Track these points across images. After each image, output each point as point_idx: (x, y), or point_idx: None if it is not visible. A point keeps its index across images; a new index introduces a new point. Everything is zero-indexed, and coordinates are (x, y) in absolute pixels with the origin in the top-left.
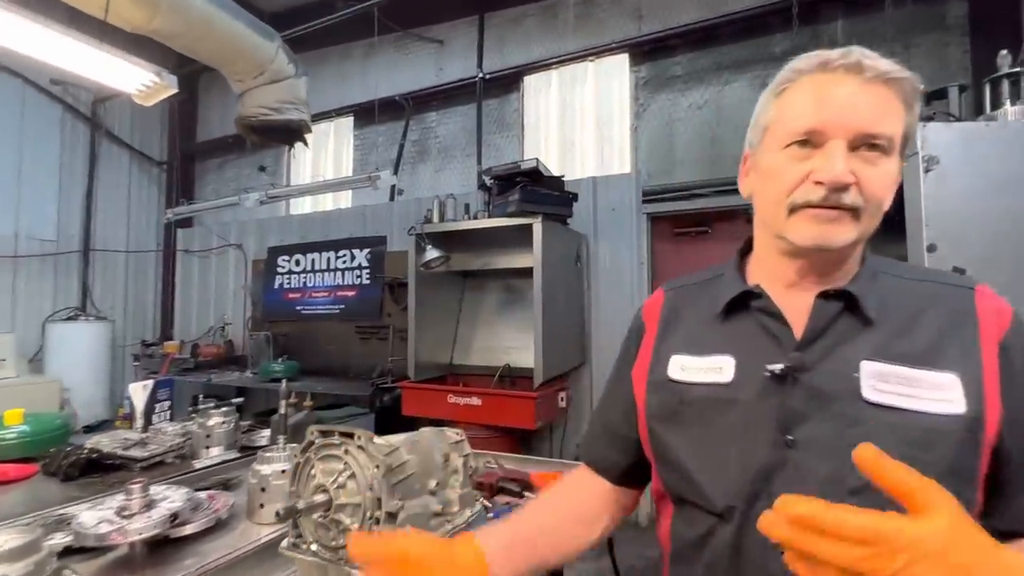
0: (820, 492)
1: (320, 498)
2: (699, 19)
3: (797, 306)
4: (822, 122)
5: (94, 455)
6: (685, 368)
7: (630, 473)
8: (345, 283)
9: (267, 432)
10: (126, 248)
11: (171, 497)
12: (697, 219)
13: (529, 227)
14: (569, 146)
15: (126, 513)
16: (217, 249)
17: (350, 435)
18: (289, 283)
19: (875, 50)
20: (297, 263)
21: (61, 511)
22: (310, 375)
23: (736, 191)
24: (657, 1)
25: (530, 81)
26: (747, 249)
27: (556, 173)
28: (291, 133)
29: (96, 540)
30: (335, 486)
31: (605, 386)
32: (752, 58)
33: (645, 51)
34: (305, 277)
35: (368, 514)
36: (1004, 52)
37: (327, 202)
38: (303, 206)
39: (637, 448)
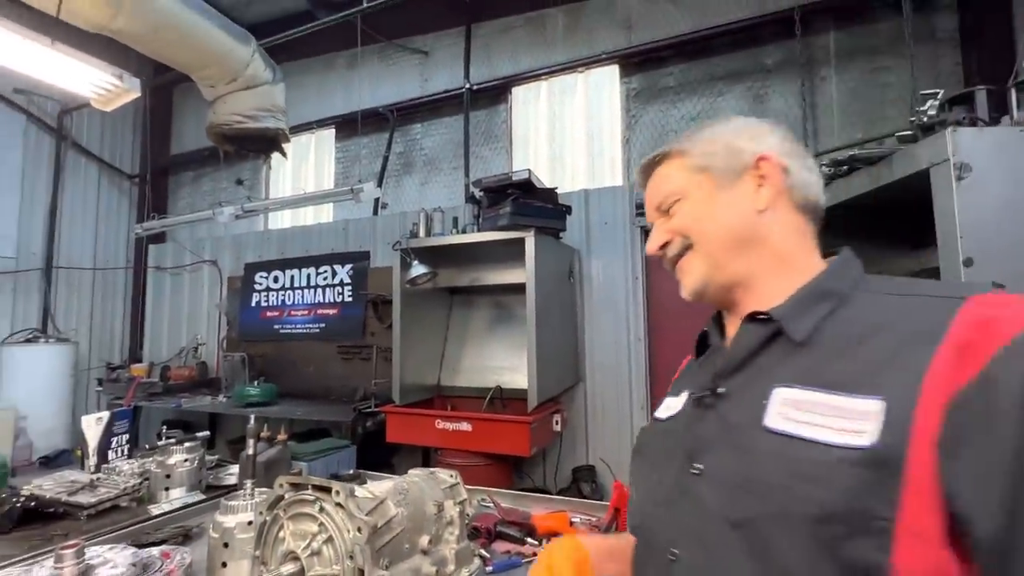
0: (709, 523)
1: (289, 569)
2: (690, 30)
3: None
4: (647, 220)
5: (32, 503)
6: (664, 407)
7: None
8: (326, 300)
9: (237, 468)
10: (93, 265)
11: (112, 561)
12: None
13: (520, 241)
14: (559, 158)
15: None
16: (191, 266)
17: (327, 489)
18: (267, 301)
19: (865, 62)
20: (275, 280)
21: None
22: (288, 399)
23: None
24: (647, 12)
25: (518, 92)
26: None
27: (541, 180)
28: (268, 142)
29: None
30: (308, 553)
31: None
32: (745, 69)
33: (636, 62)
34: (284, 295)
35: None
36: None
37: (307, 216)
38: (282, 220)
39: None
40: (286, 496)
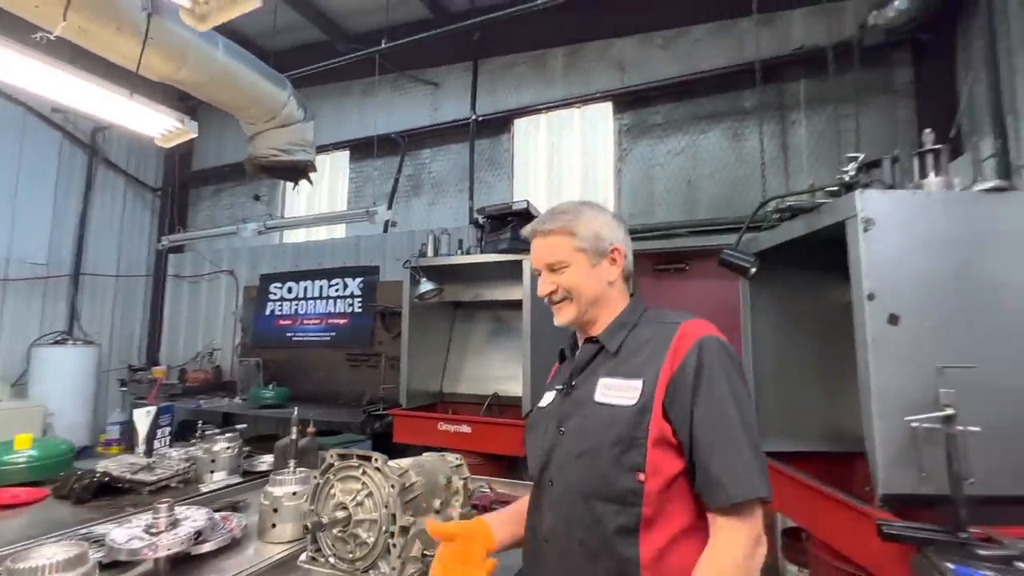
0: (566, 458)
1: (341, 514)
2: (676, 75)
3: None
4: (534, 264)
5: (106, 479)
6: (544, 399)
7: None
8: (337, 311)
9: (267, 457)
10: (116, 272)
11: (193, 517)
12: (676, 257)
13: (519, 262)
14: (556, 186)
15: (154, 531)
16: (209, 275)
17: (367, 458)
18: (281, 310)
19: (832, 109)
20: (289, 290)
21: (84, 530)
22: (299, 402)
23: (712, 231)
24: (638, 56)
25: (520, 124)
26: None
27: (539, 208)
28: (298, 172)
29: (128, 555)
30: (354, 503)
31: None
32: (725, 111)
33: (628, 101)
34: (297, 304)
35: (384, 528)
36: (927, 131)
37: (320, 231)
38: (297, 235)
39: None
40: (335, 464)
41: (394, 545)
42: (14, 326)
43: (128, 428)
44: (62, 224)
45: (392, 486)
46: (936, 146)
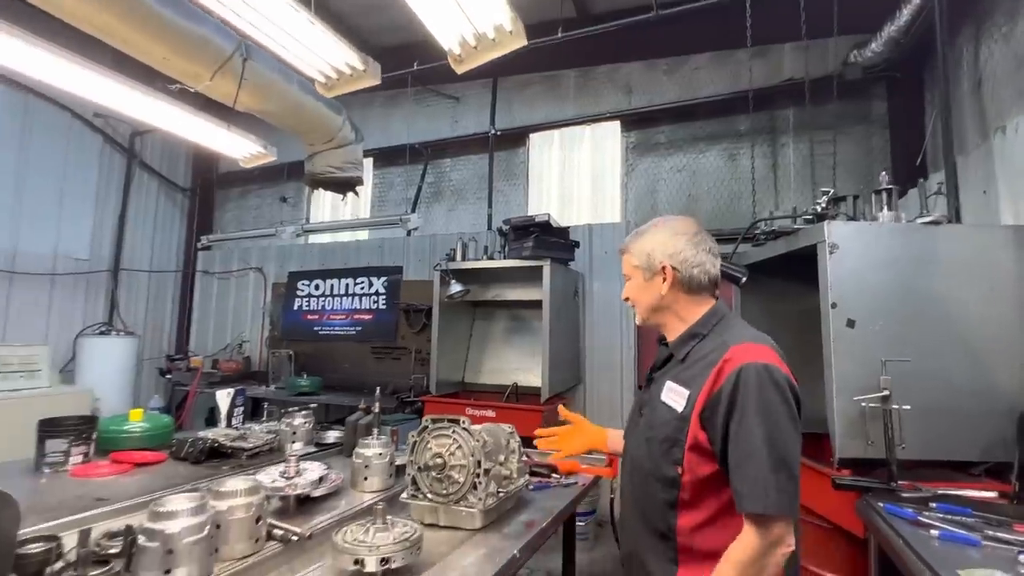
0: (639, 438)
1: (439, 461)
2: (678, 99)
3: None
4: None
5: (215, 445)
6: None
7: None
8: (362, 307)
9: (332, 433)
10: (149, 268)
11: (311, 468)
12: None
13: (539, 268)
14: (568, 196)
15: (287, 476)
16: (238, 272)
17: (456, 421)
18: (308, 305)
19: (814, 137)
20: (316, 287)
21: (222, 477)
22: (328, 390)
23: None
24: (644, 80)
25: (535, 139)
26: None
27: (556, 219)
28: (348, 186)
29: (272, 491)
30: (448, 454)
31: None
32: (722, 133)
33: (634, 120)
34: (323, 300)
35: (472, 471)
36: (883, 173)
37: (343, 233)
38: (322, 235)
39: None
40: (429, 426)
41: (480, 483)
42: (61, 317)
43: (167, 410)
44: (102, 222)
45: (477, 441)
46: (889, 186)
